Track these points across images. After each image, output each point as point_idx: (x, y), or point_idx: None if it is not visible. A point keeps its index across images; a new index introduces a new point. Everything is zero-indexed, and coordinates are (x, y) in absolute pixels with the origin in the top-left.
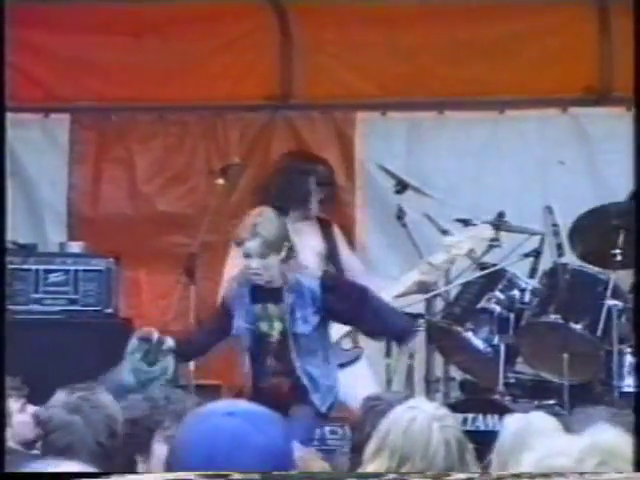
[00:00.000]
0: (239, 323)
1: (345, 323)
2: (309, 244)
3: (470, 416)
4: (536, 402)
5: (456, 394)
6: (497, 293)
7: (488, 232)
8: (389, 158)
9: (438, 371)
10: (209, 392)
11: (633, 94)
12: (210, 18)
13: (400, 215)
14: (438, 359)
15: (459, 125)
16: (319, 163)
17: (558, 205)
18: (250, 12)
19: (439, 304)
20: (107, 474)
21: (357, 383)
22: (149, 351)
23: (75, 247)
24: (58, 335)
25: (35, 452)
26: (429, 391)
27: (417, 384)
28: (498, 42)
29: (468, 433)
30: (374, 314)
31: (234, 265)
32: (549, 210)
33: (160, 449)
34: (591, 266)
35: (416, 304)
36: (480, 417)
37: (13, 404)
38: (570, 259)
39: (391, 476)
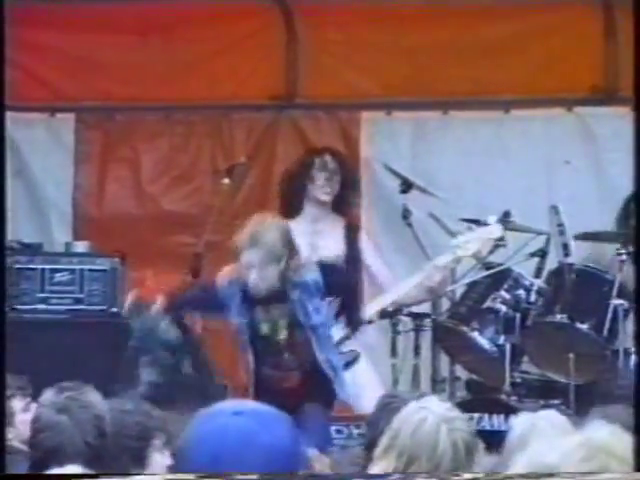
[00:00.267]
0: (238, 319)
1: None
2: (326, 245)
3: (476, 416)
4: (542, 402)
5: (462, 394)
6: (503, 293)
7: (496, 233)
8: (394, 158)
9: (444, 371)
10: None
11: (633, 95)
12: (215, 18)
13: (405, 214)
14: (444, 359)
15: (464, 125)
16: (325, 152)
17: (564, 205)
18: (256, 12)
19: (445, 304)
20: (107, 474)
21: (360, 383)
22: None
23: (80, 247)
24: (64, 334)
25: None
26: (435, 391)
27: (423, 384)
28: (503, 42)
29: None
30: None
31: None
32: (555, 210)
33: (159, 458)
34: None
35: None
36: (486, 417)
37: (17, 403)
38: (575, 259)
39: (396, 476)
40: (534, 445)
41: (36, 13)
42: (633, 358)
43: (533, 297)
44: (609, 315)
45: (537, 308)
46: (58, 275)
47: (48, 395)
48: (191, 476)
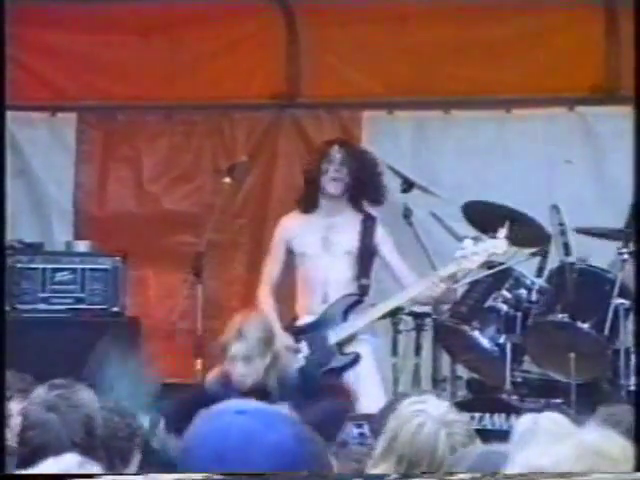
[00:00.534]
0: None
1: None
2: (340, 240)
3: (477, 415)
4: (543, 401)
5: (463, 393)
6: (504, 292)
7: (502, 247)
8: (395, 157)
9: (445, 370)
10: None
11: (634, 95)
12: (217, 17)
13: (407, 214)
14: (445, 358)
15: (465, 124)
16: (333, 143)
17: (564, 204)
18: (257, 12)
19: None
20: (107, 474)
21: (362, 384)
22: None
23: (82, 246)
24: (65, 334)
25: None
26: (436, 390)
27: (424, 383)
28: (505, 41)
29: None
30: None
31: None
32: (556, 209)
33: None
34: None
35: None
36: (487, 416)
37: (18, 403)
38: (577, 258)
39: (394, 476)
40: (533, 445)
41: (38, 12)
42: (635, 357)
43: (534, 296)
44: (610, 314)
45: (538, 307)
46: (59, 274)
47: (39, 392)
48: (199, 476)
